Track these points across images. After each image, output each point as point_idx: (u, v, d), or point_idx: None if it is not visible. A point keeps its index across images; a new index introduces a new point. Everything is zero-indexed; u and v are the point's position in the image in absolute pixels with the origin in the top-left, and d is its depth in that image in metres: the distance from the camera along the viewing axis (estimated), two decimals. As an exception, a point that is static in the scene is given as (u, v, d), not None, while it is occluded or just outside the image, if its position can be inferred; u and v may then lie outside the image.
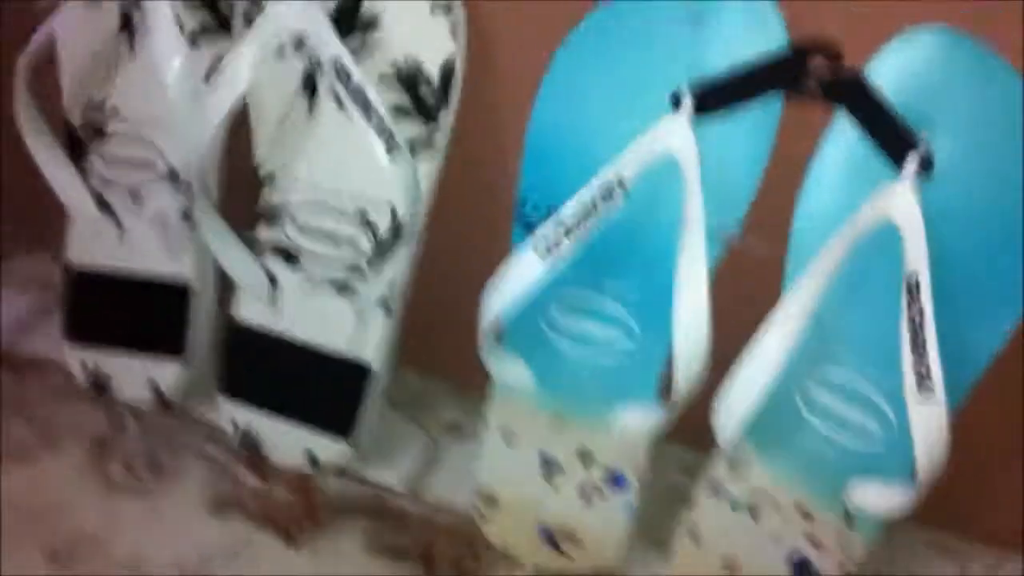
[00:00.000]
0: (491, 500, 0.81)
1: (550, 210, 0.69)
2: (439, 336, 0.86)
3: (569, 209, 0.68)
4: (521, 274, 0.70)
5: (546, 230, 0.68)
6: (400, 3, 0.75)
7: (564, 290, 0.74)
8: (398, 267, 0.78)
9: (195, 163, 0.76)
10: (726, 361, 0.66)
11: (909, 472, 0.64)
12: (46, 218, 0.89)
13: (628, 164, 0.67)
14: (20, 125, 0.81)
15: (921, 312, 0.61)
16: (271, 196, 0.81)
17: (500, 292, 0.71)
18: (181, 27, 0.76)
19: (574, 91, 0.72)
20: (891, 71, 0.66)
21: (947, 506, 0.71)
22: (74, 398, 0.90)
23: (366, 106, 0.72)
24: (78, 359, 0.88)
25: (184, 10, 0.79)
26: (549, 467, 0.78)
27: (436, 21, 0.75)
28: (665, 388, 0.71)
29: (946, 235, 0.63)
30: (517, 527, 0.80)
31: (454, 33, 0.75)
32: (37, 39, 0.78)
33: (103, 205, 0.86)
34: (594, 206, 0.67)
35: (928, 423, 0.61)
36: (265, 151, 0.80)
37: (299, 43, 0.77)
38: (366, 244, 0.79)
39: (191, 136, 0.76)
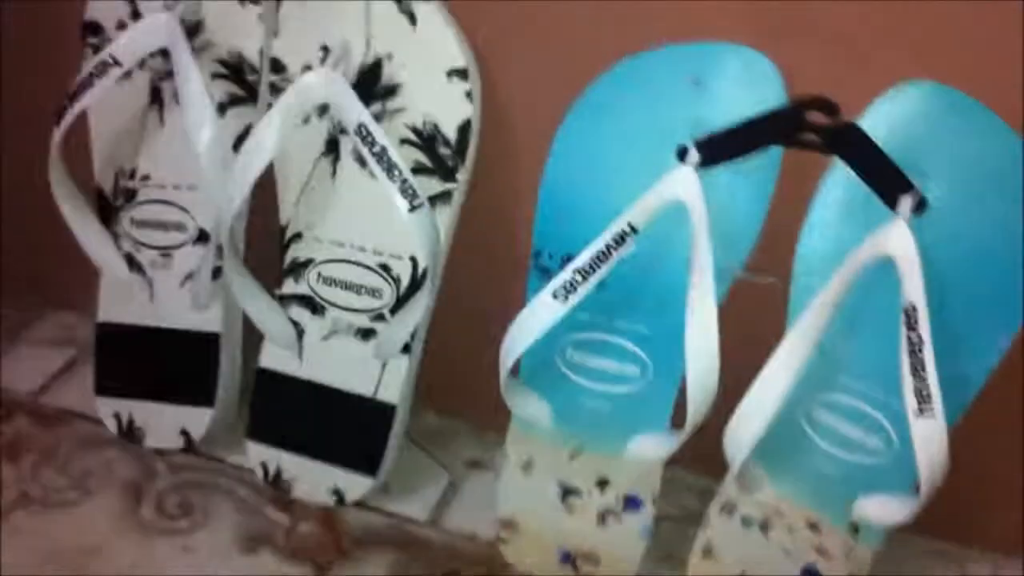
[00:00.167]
0: (512, 525, 0.82)
1: (564, 258, 0.70)
2: (459, 377, 0.87)
3: (585, 256, 0.68)
4: (539, 316, 0.70)
5: (563, 276, 0.69)
6: (419, 69, 0.76)
7: (579, 328, 0.76)
8: (419, 313, 0.79)
9: (225, 226, 0.77)
10: (736, 391, 0.67)
11: (911, 485, 0.66)
12: (78, 276, 0.90)
13: (639, 213, 0.68)
14: (54, 193, 0.82)
15: (920, 338, 0.62)
16: (297, 253, 0.83)
17: (519, 333, 0.71)
18: (211, 98, 0.77)
19: (585, 148, 0.73)
20: (883, 123, 0.67)
21: (947, 515, 0.71)
22: (104, 446, 0.91)
23: (390, 167, 0.72)
24: (110, 411, 0.90)
25: (211, 81, 0.80)
26: (567, 494, 0.80)
27: (453, 86, 0.76)
28: (678, 418, 0.73)
29: (941, 265, 0.64)
30: (537, 550, 0.82)
31: (470, 96, 0.76)
32: (71, 116, 0.78)
33: (134, 265, 0.87)
34: (608, 251, 0.68)
35: (929, 439, 0.63)
36: (290, 211, 0.82)
37: (322, 109, 0.78)
38: (389, 294, 0.81)
39: (221, 201, 0.76)
